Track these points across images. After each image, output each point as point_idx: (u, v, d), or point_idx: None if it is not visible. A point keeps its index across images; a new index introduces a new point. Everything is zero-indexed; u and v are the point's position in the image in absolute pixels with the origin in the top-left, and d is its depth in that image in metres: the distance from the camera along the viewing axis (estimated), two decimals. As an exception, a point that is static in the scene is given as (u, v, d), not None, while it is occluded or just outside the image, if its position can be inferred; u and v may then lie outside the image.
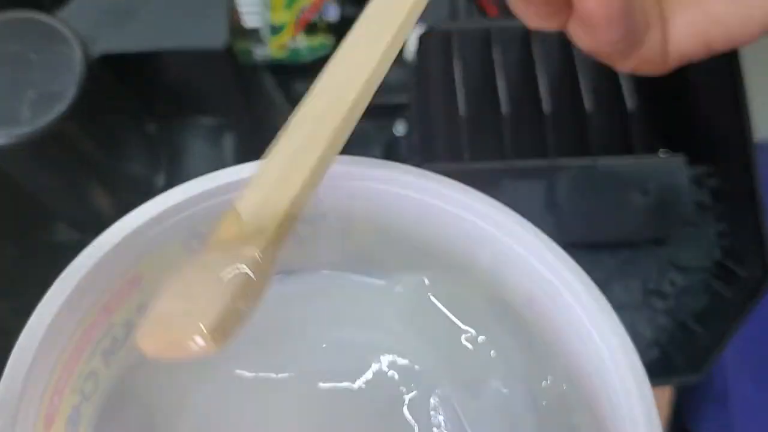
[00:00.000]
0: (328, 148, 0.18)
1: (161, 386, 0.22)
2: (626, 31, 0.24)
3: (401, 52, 0.41)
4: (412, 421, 0.22)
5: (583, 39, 0.25)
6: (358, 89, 0.18)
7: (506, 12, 0.28)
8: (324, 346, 0.24)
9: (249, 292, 0.15)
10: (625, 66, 0.26)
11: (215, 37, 0.33)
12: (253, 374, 0.23)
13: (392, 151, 0.45)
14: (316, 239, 0.23)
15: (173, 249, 0.20)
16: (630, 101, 0.37)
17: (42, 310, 0.18)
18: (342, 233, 0.23)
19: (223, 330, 0.14)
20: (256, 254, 0.16)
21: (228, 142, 0.40)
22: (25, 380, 0.17)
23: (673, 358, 0.33)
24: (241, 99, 0.38)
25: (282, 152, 0.18)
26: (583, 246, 0.35)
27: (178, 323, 0.15)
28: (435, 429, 0.22)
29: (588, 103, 0.37)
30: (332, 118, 0.18)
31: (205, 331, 0.14)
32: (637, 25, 0.24)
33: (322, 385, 0.23)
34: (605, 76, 0.38)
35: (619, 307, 0.34)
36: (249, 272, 0.15)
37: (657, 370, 0.33)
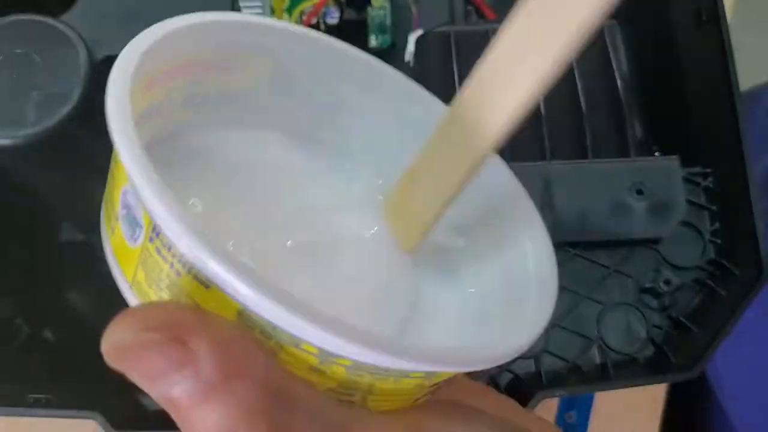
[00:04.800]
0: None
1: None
2: None
3: (401, 53, 0.41)
4: None
5: None
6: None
7: (504, 15, 0.28)
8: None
9: None
10: None
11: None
12: None
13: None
14: None
15: None
16: (625, 103, 0.38)
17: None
18: None
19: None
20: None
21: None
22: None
23: (667, 356, 0.33)
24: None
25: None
26: (579, 245, 0.35)
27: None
28: None
29: (584, 105, 0.38)
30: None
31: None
32: None
33: None
34: (601, 78, 0.39)
35: (615, 305, 0.35)
36: None
37: (652, 368, 0.34)
